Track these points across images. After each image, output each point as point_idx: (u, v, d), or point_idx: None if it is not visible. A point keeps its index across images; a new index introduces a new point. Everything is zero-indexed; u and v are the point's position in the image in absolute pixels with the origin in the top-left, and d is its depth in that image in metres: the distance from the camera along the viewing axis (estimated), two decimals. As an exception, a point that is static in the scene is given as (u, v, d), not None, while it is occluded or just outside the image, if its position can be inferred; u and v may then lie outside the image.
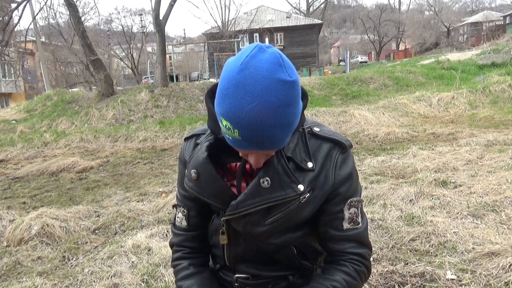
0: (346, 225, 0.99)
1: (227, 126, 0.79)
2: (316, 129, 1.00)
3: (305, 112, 1.17)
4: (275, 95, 0.75)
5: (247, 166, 0.99)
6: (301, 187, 0.93)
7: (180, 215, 1.11)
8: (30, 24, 19.97)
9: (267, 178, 0.93)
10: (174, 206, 1.15)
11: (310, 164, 0.95)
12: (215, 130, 0.99)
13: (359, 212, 1.01)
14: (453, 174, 4.26)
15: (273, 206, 0.94)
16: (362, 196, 1.05)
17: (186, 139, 1.12)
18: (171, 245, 1.17)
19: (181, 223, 1.12)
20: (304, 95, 0.95)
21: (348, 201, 0.99)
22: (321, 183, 0.95)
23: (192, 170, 1.01)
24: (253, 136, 0.78)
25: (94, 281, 2.56)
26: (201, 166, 0.99)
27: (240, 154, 0.91)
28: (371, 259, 2.51)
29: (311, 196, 0.95)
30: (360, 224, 1.00)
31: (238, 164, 1.00)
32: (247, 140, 0.79)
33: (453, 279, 2.19)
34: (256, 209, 0.94)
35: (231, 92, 0.77)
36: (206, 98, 0.98)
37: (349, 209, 0.99)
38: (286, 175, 0.93)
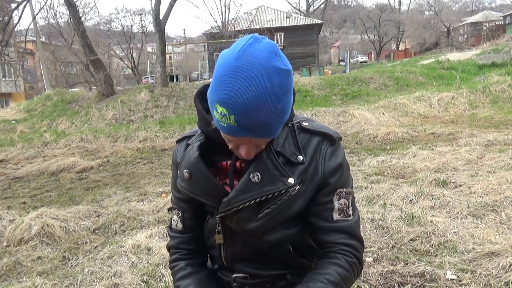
0: (336, 216, 0.98)
1: (223, 113, 0.80)
2: (305, 123, 1.01)
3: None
4: (271, 82, 0.78)
5: (237, 164, 0.99)
6: (291, 180, 0.94)
7: (175, 217, 1.12)
8: (30, 24, 19.97)
9: (257, 173, 0.94)
10: (170, 209, 1.15)
11: (300, 158, 0.96)
12: (205, 130, 1.00)
13: (350, 204, 1.00)
14: (453, 174, 4.25)
15: (265, 200, 0.95)
16: (354, 190, 1.03)
17: (178, 141, 1.13)
18: (168, 248, 1.17)
19: (177, 226, 1.12)
20: (293, 92, 0.98)
21: (338, 191, 0.98)
22: (311, 175, 0.96)
23: (185, 170, 1.02)
24: (249, 122, 0.79)
25: (94, 281, 2.56)
26: (193, 166, 1.00)
27: (230, 147, 0.92)
28: (371, 259, 2.52)
29: (302, 189, 0.96)
30: (351, 217, 0.99)
31: (229, 162, 1.00)
32: (242, 126, 0.80)
33: (453, 279, 2.19)
34: (248, 204, 0.94)
35: (228, 78, 0.78)
36: (196, 99, 0.99)
37: (338, 200, 0.98)
38: (276, 169, 0.94)
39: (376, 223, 3.09)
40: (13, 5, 15.83)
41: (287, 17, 37.79)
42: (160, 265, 2.67)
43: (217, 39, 24.99)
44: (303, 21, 37.04)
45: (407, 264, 2.42)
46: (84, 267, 2.80)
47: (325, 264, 0.97)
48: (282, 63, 0.80)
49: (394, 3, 59.27)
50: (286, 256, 1.05)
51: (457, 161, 4.71)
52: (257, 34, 0.84)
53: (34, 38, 27.75)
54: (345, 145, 6.88)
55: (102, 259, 2.89)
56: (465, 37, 47.94)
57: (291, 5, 76.80)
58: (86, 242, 3.38)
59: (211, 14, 74.87)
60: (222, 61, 0.81)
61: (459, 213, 3.10)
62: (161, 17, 15.51)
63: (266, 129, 0.82)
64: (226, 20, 25.49)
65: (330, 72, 26.53)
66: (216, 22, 31.78)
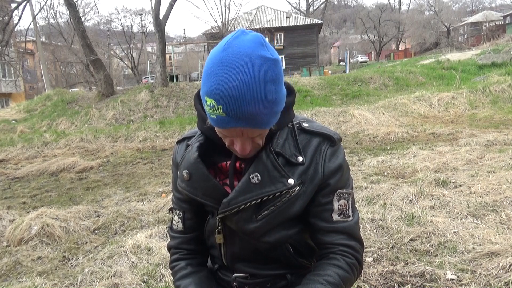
0: (335, 216, 0.98)
1: (211, 104, 0.80)
2: (305, 124, 1.01)
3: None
4: (257, 70, 0.78)
5: (237, 164, 1.00)
6: (291, 181, 0.94)
7: (176, 218, 1.12)
8: (30, 24, 20.00)
9: (256, 174, 0.94)
10: (170, 209, 1.15)
11: (300, 158, 0.96)
12: (205, 131, 1.00)
13: (350, 205, 1.00)
14: (453, 174, 4.26)
15: (264, 201, 0.95)
16: (354, 190, 1.03)
17: (178, 142, 1.14)
18: (169, 248, 1.17)
19: (177, 226, 1.12)
20: (291, 91, 0.97)
21: (337, 192, 0.98)
22: (311, 176, 0.96)
23: (184, 171, 1.02)
24: (237, 111, 0.79)
25: (94, 281, 2.56)
26: (193, 166, 1.00)
27: (227, 144, 0.92)
28: (371, 259, 2.52)
29: (302, 190, 0.96)
30: (351, 218, 0.99)
31: (229, 163, 1.00)
32: (231, 115, 0.80)
33: (453, 279, 2.19)
34: (248, 205, 0.94)
35: (215, 69, 0.79)
36: (195, 100, 0.99)
37: (338, 201, 0.98)
38: (276, 170, 0.94)
39: (376, 223, 3.09)
40: (13, 5, 15.83)
41: (287, 17, 37.79)
42: (160, 265, 2.67)
43: (217, 39, 24.99)
44: (303, 21, 37.04)
45: (407, 264, 2.42)
46: (84, 267, 2.80)
47: (325, 265, 0.97)
48: (268, 52, 0.80)
49: (394, 3, 59.42)
50: (286, 256, 1.05)
51: (457, 161, 4.71)
52: (244, 28, 0.84)
53: (34, 38, 27.78)
54: (345, 145, 6.88)
55: (102, 259, 2.89)
56: (465, 37, 47.92)
57: (291, 5, 76.90)
58: (86, 242, 3.38)
59: (211, 14, 74.99)
60: (210, 55, 0.82)
61: (459, 213, 3.10)
62: (161, 17, 15.51)
63: (255, 118, 0.81)
64: (226, 20, 25.48)
65: (330, 72, 26.54)
66: (216, 22, 31.82)
